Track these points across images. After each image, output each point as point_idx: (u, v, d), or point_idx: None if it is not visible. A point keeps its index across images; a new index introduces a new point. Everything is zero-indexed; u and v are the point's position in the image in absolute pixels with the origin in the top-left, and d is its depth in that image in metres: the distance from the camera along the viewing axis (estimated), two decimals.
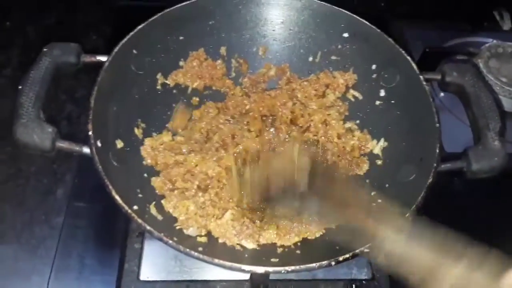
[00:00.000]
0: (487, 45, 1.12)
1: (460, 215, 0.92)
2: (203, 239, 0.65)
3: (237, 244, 0.68)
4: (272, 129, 0.84)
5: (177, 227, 0.69)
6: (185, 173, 0.75)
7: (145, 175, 0.74)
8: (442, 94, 1.12)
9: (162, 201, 0.72)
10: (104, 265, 0.85)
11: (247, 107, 0.87)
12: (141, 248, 0.83)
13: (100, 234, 0.89)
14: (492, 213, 0.94)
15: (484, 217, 0.93)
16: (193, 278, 0.81)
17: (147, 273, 0.81)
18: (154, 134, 0.81)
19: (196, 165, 0.76)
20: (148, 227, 0.59)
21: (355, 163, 0.79)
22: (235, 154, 0.78)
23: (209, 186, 0.74)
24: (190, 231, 0.69)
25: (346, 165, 0.78)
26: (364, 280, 0.83)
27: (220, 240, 0.68)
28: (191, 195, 0.72)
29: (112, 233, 0.88)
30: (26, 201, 0.91)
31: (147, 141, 0.78)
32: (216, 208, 0.71)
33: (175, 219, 0.68)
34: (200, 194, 0.72)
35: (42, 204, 0.91)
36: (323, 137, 0.81)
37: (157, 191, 0.74)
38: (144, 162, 0.77)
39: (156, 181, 0.75)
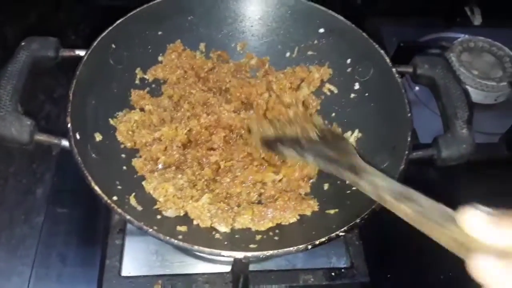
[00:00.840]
0: (459, 39, 1.16)
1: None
2: (183, 228, 0.66)
3: (211, 226, 0.69)
4: (251, 111, 0.86)
5: (157, 209, 0.70)
6: (165, 149, 0.77)
7: (124, 167, 0.75)
8: (417, 88, 1.15)
9: (143, 183, 0.73)
10: (86, 263, 0.85)
11: (228, 85, 0.88)
12: (122, 244, 0.83)
13: (81, 232, 0.89)
14: (470, 201, 0.97)
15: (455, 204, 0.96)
16: (174, 272, 0.82)
17: (128, 268, 0.82)
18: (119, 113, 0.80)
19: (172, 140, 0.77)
20: (128, 217, 0.59)
21: None
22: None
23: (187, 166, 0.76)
24: (169, 213, 0.70)
25: None
26: (343, 268, 0.85)
27: (195, 222, 0.69)
28: (171, 177, 0.73)
29: (92, 231, 0.88)
30: (5, 201, 0.91)
31: (120, 126, 0.78)
32: (194, 189, 0.72)
33: (154, 210, 0.69)
34: (179, 176, 0.73)
35: (21, 204, 0.91)
36: None
37: (138, 173, 0.75)
38: (122, 146, 0.77)
39: (137, 162, 0.76)
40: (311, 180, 0.78)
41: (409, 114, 0.74)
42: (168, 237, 0.59)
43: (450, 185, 0.98)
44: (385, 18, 1.28)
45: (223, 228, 0.69)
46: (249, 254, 0.59)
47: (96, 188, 0.60)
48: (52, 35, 1.16)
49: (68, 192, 0.93)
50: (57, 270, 0.84)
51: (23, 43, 0.72)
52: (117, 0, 1.25)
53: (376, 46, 0.82)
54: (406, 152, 0.70)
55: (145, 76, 0.86)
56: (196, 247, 0.58)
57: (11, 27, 1.19)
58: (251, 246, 0.63)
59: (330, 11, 0.87)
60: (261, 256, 0.59)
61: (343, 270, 0.85)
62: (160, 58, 0.88)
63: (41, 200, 0.92)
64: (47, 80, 1.08)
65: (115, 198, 0.62)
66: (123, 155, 0.76)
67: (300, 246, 0.60)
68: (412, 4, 1.31)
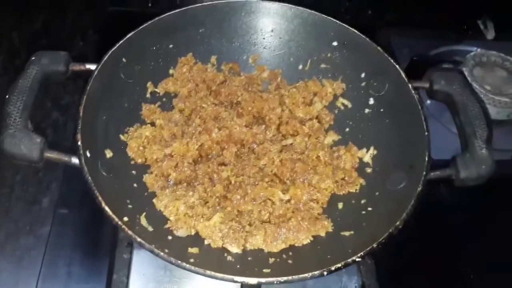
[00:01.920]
0: (471, 54, 1.14)
1: (448, 222, 0.94)
2: (194, 250, 0.65)
3: (222, 247, 0.68)
4: (263, 126, 0.84)
5: (168, 228, 0.68)
6: (176, 166, 0.75)
7: (135, 185, 0.73)
8: (428, 101, 1.13)
9: (154, 200, 0.72)
10: (92, 276, 0.84)
11: (239, 98, 0.87)
12: (130, 258, 0.82)
13: (88, 243, 0.87)
14: (481, 219, 0.95)
15: (473, 224, 0.95)
16: None
17: (136, 283, 0.80)
18: (130, 128, 0.79)
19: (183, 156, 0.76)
20: (139, 239, 0.58)
21: (346, 182, 0.79)
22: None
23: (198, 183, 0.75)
24: (180, 232, 0.69)
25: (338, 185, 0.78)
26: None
27: (206, 242, 0.68)
28: (182, 194, 0.71)
29: (99, 243, 0.87)
30: (10, 211, 0.89)
31: (131, 141, 0.77)
32: (205, 207, 0.71)
33: (165, 230, 0.68)
34: (190, 193, 0.72)
35: (27, 214, 0.89)
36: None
37: (148, 189, 0.74)
38: (132, 162, 0.76)
39: (148, 178, 0.75)
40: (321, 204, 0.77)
41: (426, 132, 0.73)
42: (179, 261, 0.57)
43: (460, 202, 0.97)
44: (396, 30, 1.26)
45: (235, 249, 0.67)
46: (262, 280, 0.58)
47: (107, 209, 0.59)
48: (60, 41, 1.18)
49: (75, 202, 0.91)
50: (63, 283, 0.82)
51: (33, 58, 0.71)
52: (124, 6, 1.27)
53: (391, 60, 0.81)
54: (424, 173, 0.68)
55: (156, 90, 0.85)
56: (208, 272, 0.57)
57: (18, 32, 1.18)
58: (265, 270, 0.62)
59: (344, 24, 0.86)
60: (275, 282, 0.57)
61: None
62: (171, 71, 0.87)
63: (48, 210, 0.90)
64: (54, 87, 1.06)
65: (125, 219, 0.61)
66: (133, 172, 0.75)
67: (316, 272, 0.58)
68: (423, 16, 1.30)
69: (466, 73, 1.09)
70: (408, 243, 0.89)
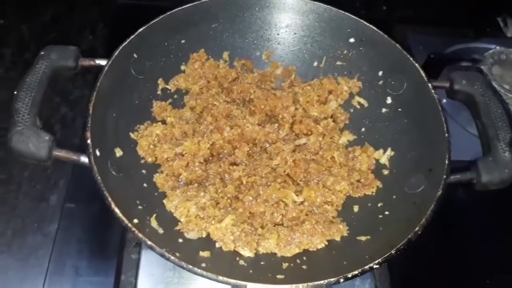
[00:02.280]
0: (490, 51, 1.11)
1: (464, 225, 0.92)
2: (206, 254, 0.63)
3: (234, 250, 0.66)
4: (276, 125, 0.82)
5: (179, 230, 0.67)
6: (187, 165, 0.74)
7: (145, 184, 0.71)
8: (444, 100, 1.10)
9: (164, 201, 0.70)
10: (100, 275, 0.82)
11: (252, 96, 0.85)
12: (138, 259, 0.80)
13: (96, 242, 0.86)
14: (498, 223, 0.93)
15: (489, 228, 0.92)
16: None
17: (144, 284, 0.78)
18: (140, 126, 0.78)
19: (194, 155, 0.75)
20: (149, 242, 0.56)
21: (362, 184, 0.76)
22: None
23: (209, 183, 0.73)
24: (191, 235, 0.67)
25: (353, 187, 0.76)
26: None
27: (217, 245, 0.67)
28: (193, 195, 0.70)
29: (108, 242, 0.85)
30: (18, 208, 0.88)
31: (142, 140, 0.75)
32: (216, 209, 0.69)
33: (176, 232, 0.66)
34: (201, 194, 0.70)
35: (34, 211, 0.88)
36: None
37: (159, 189, 0.72)
38: (142, 161, 0.75)
39: (158, 178, 0.73)
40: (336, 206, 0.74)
41: (446, 134, 0.70)
42: (191, 266, 0.56)
43: (477, 205, 0.94)
44: (411, 26, 1.23)
45: (247, 253, 0.65)
46: (277, 287, 0.56)
47: (117, 210, 0.57)
48: (69, 35, 1.16)
49: (83, 199, 0.90)
50: (71, 282, 0.81)
51: (42, 53, 0.69)
52: None
53: (411, 58, 0.79)
54: (444, 176, 0.66)
55: (167, 87, 0.83)
56: (220, 278, 0.55)
57: (27, 25, 1.16)
58: (278, 276, 0.60)
59: (361, 20, 0.83)
60: None
61: None
62: (182, 68, 0.85)
63: (55, 207, 0.89)
64: (63, 82, 1.04)
65: (135, 221, 0.59)
66: (143, 171, 0.73)
67: (332, 279, 0.56)
68: (439, 12, 1.27)
69: (485, 71, 1.06)
70: (423, 247, 0.86)
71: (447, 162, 0.67)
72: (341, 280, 0.57)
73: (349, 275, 0.57)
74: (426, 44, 1.19)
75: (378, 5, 1.30)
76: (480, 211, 0.95)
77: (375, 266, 0.58)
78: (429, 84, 0.75)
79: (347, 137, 0.83)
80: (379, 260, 0.58)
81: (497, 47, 1.13)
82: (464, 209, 0.96)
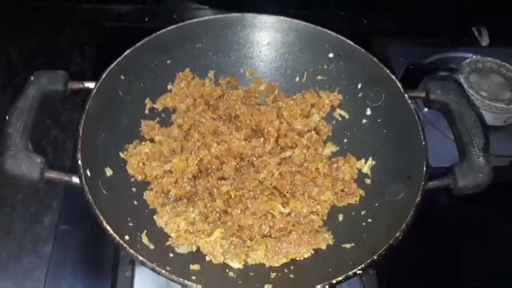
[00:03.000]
0: (467, 60, 1.15)
1: (449, 230, 0.94)
2: (196, 267, 0.65)
3: (224, 263, 0.68)
4: (262, 139, 0.85)
5: (169, 245, 0.69)
6: (175, 182, 0.76)
7: (135, 202, 0.73)
8: (425, 109, 1.14)
9: (154, 217, 0.72)
10: None
11: (238, 112, 0.88)
12: (132, 276, 0.81)
13: (90, 262, 0.87)
14: (481, 226, 0.96)
15: (473, 231, 0.95)
16: None
17: None
18: (129, 145, 0.80)
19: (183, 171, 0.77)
20: (140, 258, 0.58)
21: (346, 193, 0.79)
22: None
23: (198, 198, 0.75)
24: (181, 249, 0.69)
25: (338, 197, 0.79)
26: None
27: (207, 258, 0.68)
28: (182, 210, 0.72)
29: (102, 261, 0.86)
30: (12, 230, 0.89)
31: (131, 159, 0.77)
32: (205, 223, 0.71)
33: (167, 247, 0.68)
34: (191, 209, 0.72)
35: (29, 233, 0.89)
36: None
37: (149, 206, 0.74)
38: (132, 179, 0.77)
39: (148, 195, 0.75)
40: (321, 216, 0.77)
41: (423, 142, 0.73)
42: (181, 279, 0.57)
43: (459, 208, 0.96)
44: (391, 38, 1.27)
45: (236, 264, 0.67)
46: None
47: (108, 228, 0.59)
48: (58, 57, 1.18)
49: (76, 219, 0.91)
50: None
51: (32, 78, 0.71)
52: (121, 21, 1.28)
53: (387, 71, 0.82)
54: (423, 183, 0.68)
55: (155, 106, 0.86)
56: None
57: (16, 49, 1.19)
58: (266, 286, 0.62)
59: (339, 36, 0.87)
60: None
61: None
62: (169, 87, 0.87)
63: (49, 228, 0.90)
64: (54, 104, 1.06)
65: (127, 237, 0.61)
66: (133, 189, 0.75)
67: (317, 286, 0.58)
68: (418, 24, 1.31)
69: (462, 80, 1.10)
70: (409, 252, 0.88)
71: (424, 169, 0.70)
72: (326, 286, 0.59)
73: (334, 281, 0.59)
74: (406, 55, 1.22)
75: (358, 19, 1.35)
76: (463, 216, 0.97)
77: (358, 272, 0.61)
78: (406, 95, 0.78)
79: (330, 148, 0.86)
80: (362, 266, 0.61)
81: (474, 56, 1.18)
82: (450, 214, 0.98)
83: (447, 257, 0.91)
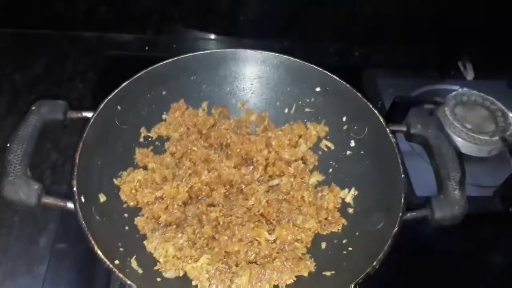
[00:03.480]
0: (453, 93, 1.19)
1: (433, 259, 0.97)
2: None
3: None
4: (251, 167, 0.89)
5: (157, 270, 0.71)
6: (166, 208, 0.79)
7: (127, 227, 0.77)
8: None
9: (144, 242, 0.75)
10: None
11: (229, 141, 0.91)
12: None
13: (83, 282, 0.89)
14: (465, 256, 0.98)
15: (457, 261, 0.97)
16: None
17: None
18: (123, 172, 0.83)
19: (174, 198, 0.80)
20: (128, 282, 0.61)
21: (329, 221, 0.82)
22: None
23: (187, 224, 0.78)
24: (169, 274, 0.72)
25: (321, 225, 0.81)
26: None
27: (193, 283, 0.71)
28: (171, 236, 0.74)
29: (94, 282, 0.89)
30: (9, 251, 0.92)
31: (124, 186, 0.81)
32: (193, 249, 0.74)
33: (155, 272, 0.71)
34: (179, 235, 0.75)
35: (24, 254, 0.91)
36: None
37: (139, 232, 0.77)
38: (124, 205, 0.80)
39: (139, 221, 0.78)
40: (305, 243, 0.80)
41: (402, 175, 0.77)
42: None
43: (443, 238, 0.99)
44: (382, 70, 1.31)
45: None
46: None
47: (99, 252, 0.63)
48: (60, 84, 1.23)
49: (71, 241, 0.94)
50: None
51: (33, 107, 0.75)
52: (122, 50, 1.33)
53: (370, 105, 0.86)
54: (400, 214, 0.72)
55: (149, 134, 0.90)
56: None
57: (20, 76, 1.23)
58: None
59: (325, 72, 0.91)
60: None
61: None
62: (164, 116, 0.92)
63: (45, 250, 0.92)
64: (53, 132, 1.10)
65: (117, 262, 0.64)
66: (125, 215, 0.79)
67: None
68: (408, 57, 1.36)
69: (447, 112, 1.14)
70: (393, 281, 0.91)
71: (402, 201, 0.73)
72: None
73: None
74: (395, 87, 1.26)
75: (351, 51, 1.40)
76: (448, 245, 0.99)
77: None
78: (387, 129, 0.82)
79: (316, 177, 0.89)
80: None
81: (460, 89, 1.22)
82: (434, 243, 1.00)
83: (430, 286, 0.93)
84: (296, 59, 0.92)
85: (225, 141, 0.92)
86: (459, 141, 1.10)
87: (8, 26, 1.31)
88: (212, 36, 1.35)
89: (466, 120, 1.16)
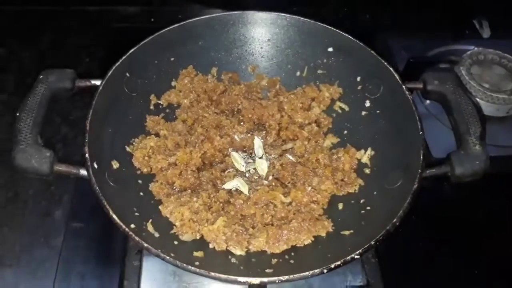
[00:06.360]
0: (468, 52, 1.16)
1: (452, 220, 0.95)
2: (199, 254, 0.67)
3: (227, 250, 0.70)
4: (263, 132, 0.87)
5: (174, 233, 0.71)
6: (180, 173, 0.78)
7: (141, 193, 0.76)
8: (428, 101, 1.15)
9: (160, 207, 0.75)
10: (105, 284, 0.86)
11: (240, 106, 0.90)
12: (140, 265, 0.84)
13: (99, 253, 0.90)
14: (485, 217, 0.96)
15: (477, 221, 0.95)
16: None
17: None
18: (135, 139, 0.82)
19: (187, 164, 0.79)
20: (145, 245, 0.61)
21: (346, 182, 0.81)
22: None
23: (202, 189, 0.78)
24: (185, 237, 0.72)
25: (337, 186, 0.80)
26: (359, 286, 0.84)
27: (210, 245, 0.71)
28: (187, 200, 0.74)
29: (111, 251, 0.89)
30: (25, 224, 0.93)
31: (137, 152, 0.80)
32: (209, 212, 0.73)
33: (171, 236, 0.70)
34: (194, 199, 0.74)
35: (41, 226, 0.92)
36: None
37: (154, 198, 0.77)
38: (138, 172, 0.79)
39: (154, 187, 0.78)
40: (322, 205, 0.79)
41: (420, 132, 0.75)
42: (185, 264, 0.60)
43: (462, 198, 0.97)
44: (394, 32, 1.27)
45: (239, 251, 0.70)
46: (265, 279, 0.60)
47: (115, 217, 0.62)
48: (67, 59, 1.22)
49: (86, 213, 0.94)
50: None
51: (41, 76, 0.74)
52: (128, 22, 1.31)
53: (385, 63, 0.83)
54: (419, 171, 0.70)
55: (159, 102, 0.88)
56: (212, 274, 0.59)
57: (27, 51, 1.22)
58: (267, 270, 0.64)
59: (338, 30, 0.88)
60: (277, 281, 0.60)
61: None
62: (173, 83, 0.90)
63: (60, 221, 0.93)
64: (63, 103, 1.10)
65: (132, 226, 0.64)
66: (139, 181, 0.78)
67: (316, 271, 0.61)
68: (420, 18, 1.32)
69: (463, 72, 1.11)
70: (412, 241, 0.90)
71: (421, 157, 0.71)
72: (325, 270, 0.61)
73: (332, 266, 0.61)
74: (408, 49, 1.23)
75: (361, 14, 1.36)
76: (468, 206, 0.98)
77: (356, 257, 0.62)
78: (403, 86, 0.80)
79: (330, 140, 0.88)
80: (360, 251, 0.63)
81: (475, 48, 1.18)
82: (453, 204, 0.99)
83: (450, 247, 0.92)
84: (306, 19, 0.89)
85: (236, 106, 0.91)
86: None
87: (12, 3, 1.29)
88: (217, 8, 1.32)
89: (482, 80, 1.12)
